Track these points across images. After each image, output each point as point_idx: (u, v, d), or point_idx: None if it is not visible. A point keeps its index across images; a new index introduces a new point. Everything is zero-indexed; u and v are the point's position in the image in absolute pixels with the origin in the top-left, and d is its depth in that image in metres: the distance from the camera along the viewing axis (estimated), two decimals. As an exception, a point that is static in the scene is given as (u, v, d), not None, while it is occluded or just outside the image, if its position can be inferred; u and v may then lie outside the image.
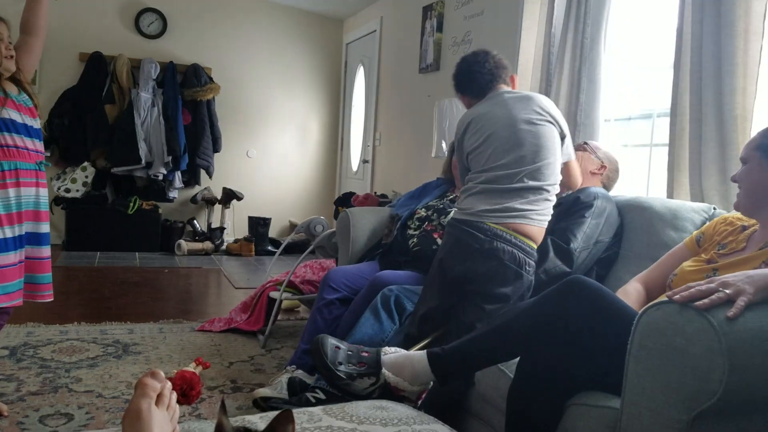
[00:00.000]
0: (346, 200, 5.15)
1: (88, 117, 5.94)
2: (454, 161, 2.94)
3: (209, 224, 6.58)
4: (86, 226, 5.91)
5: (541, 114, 2.16)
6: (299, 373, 2.51)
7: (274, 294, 3.39)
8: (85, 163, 5.91)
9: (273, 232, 6.88)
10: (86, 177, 5.88)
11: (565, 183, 2.31)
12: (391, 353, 1.75)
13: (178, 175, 6.31)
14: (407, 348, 2.00)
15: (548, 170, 2.11)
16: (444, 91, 4.58)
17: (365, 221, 3.13)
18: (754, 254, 1.61)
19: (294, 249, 5.74)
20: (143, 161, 5.95)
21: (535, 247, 2.09)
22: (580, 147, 2.46)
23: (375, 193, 5.43)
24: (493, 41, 4.04)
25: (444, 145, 3.49)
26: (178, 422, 1.03)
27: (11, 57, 2.22)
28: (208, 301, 4.55)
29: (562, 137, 2.22)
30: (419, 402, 1.80)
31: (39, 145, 2.30)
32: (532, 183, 2.08)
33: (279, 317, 3.53)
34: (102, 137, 5.91)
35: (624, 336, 1.31)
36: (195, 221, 6.51)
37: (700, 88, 2.38)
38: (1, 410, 2.24)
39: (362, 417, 1.40)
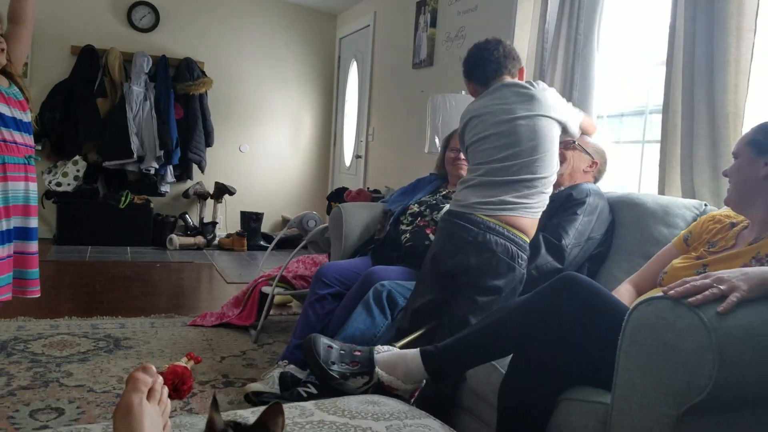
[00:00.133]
0: (338, 195, 5.14)
1: (79, 111, 5.91)
2: (447, 157, 2.94)
3: (201, 219, 6.56)
4: (77, 221, 5.88)
5: (539, 114, 2.16)
6: (291, 368, 2.51)
7: (266, 289, 3.39)
8: (77, 157, 5.88)
9: (265, 227, 6.87)
10: (77, 171, 5.85)
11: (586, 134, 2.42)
12: (384, 352, 1.75)
13: (170, 169, 6.28)
14: (398, 341, 2.00)
15: (544, 162, 2.12)
16: (437, 86, 4.57)
17: (358, 216, 3.13)
18: (743, 250, 1.62)
19: (286, 244, 5.73)
20: (135, 155, 5.93)
21: (528, 240, 2.09)
22: (570, 146, 2.46)
23: (368, 188, 5.42)
24: (487, 37, 4.03)
25: (437, 140, 3.49)
26: (170, 417, 1.03)
27: (2, 50, 2.20)
28: (200, 295, 4.54)
29: (564, 127, 2.24)
30: (412, 400, 1.80)
31: (28, 139, 2.28)
32: (527, 176, 2.09)
33: (271, 312, 3.53)
34: (94, 131, 5.88)
35: (616, 332, 1.31)
36: (187, 216, 6.49)
37: (692, 85, 2.39)
38: None
39: (354, 411, 1.40)
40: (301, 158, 7.20)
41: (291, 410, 1.39)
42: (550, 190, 2.16)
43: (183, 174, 6.50)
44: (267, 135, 6.98)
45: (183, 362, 1.46)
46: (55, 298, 3.86)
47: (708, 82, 2.32)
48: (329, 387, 1.73)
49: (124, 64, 6.10)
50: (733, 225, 1.77)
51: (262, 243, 6.47)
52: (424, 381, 1.76)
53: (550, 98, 2.20)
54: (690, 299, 1.22)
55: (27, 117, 2.28)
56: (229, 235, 6.47)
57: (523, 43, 3.55)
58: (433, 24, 4.73)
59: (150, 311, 3.70)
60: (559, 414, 1.49)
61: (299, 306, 3.87)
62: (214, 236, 6.42)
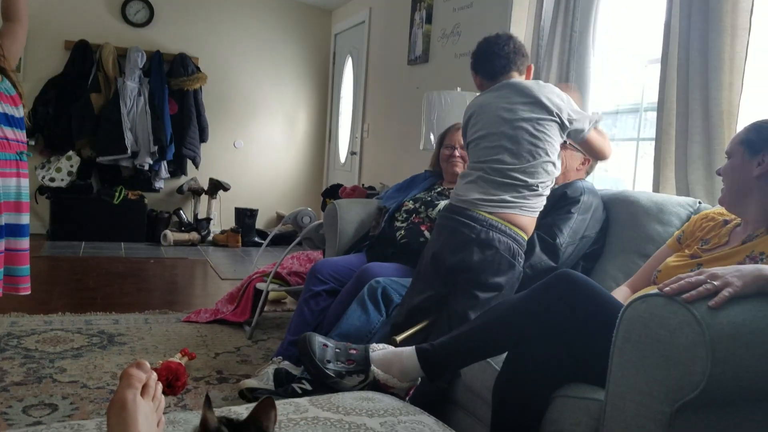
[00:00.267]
0: (333, 192, 5.13)
1: (73, 106, 5.88)
2: (442, 154, 2.94)
3: (195, 215, 6.55)
4: (71, 216, 5.86)
5: (542, 117, 2.15)
6: (285, 364, 2.51)
7: (260, 285, 3.39)
8: (70, 152, 5.85)
9: (260, 224, 6.86)
10: (71, 166, 5.83)
11: (597, 158, 2.37)
12: (380, 350, 1.75)
13: (164, 165, 6.27)
14: (392, 336, 2.00)
15: (544, 168, 2.11)
16: (433, 83, 4.57)
17: (353, 213, 3.13)
18: (737, 248, 1.63)
19: (281, 240, 5.73)
20: (129, 151, 5.91)
21: (526, 238, 2.10)
22: (562, 146, 2.46)
23: (363, 185, 5.42)
24: (483, 34, 4.01)
25: (432, 137, 3.48)
26: (164, 413, 1.03)
27: None
28: (194, 292, 4.53)
29: (568, 128, 2.20)
30: (407, 398, 1.80)
31: (20, 135, 2.26)
32: (527, 180, 2.08)
33: (265, 308, 3.53)
34: (87, 126, 5.85)
35: (610, 329, 1.32)
36: (181, 212, 6.47)
37: (687, 82, 2.39)
38: None
39: (348, 408, 1.40)
40: (295, 154, 7.19)
41: (285, 406, 1.39)
42: (548, 193, 2.16)
43: (177, 170, 6.48)
44: (262, 131, 6.97)
45: (177, 358, 1.46)
46: (48, 294, 3.85)
47: (703, 80, 2.32)
48: (325, 385, 1.73)
49: (118, 59, 6.07)
50: (726, 222, 1.78)
51: (256, 239, 6.46)
52: (420, 379, 1.76)
53: (556, 99, 2.16)
54: (684, 295, 1.22)
55: (19, 112, 2.26)
56: (223, 231, 6.46)
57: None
58: (429, 20, 4.73)
59: (144, 307, 3.69)
60: (553, 410, 1.50)
61: (294, 302, 3.87)
62: (209, 232, 6.41)
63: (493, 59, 2.28)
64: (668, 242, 1.95)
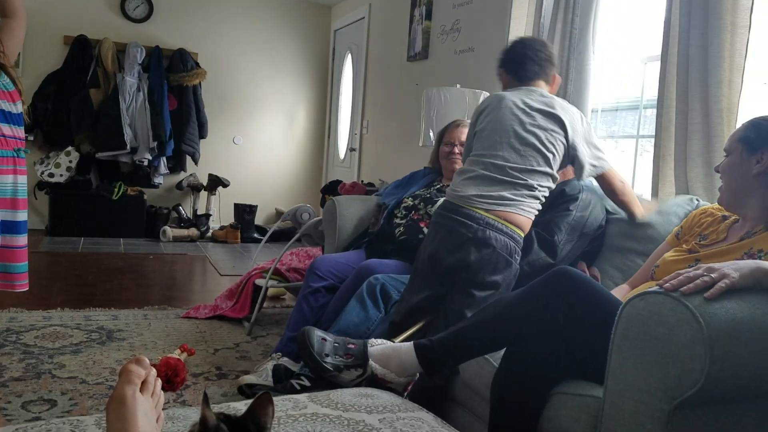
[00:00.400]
0: (332, 188, 5.13)
1: (72, 101, 5.87)
2: (442, 150, 2.94)
3: (195, 211, 6.55)
4: (70, 212, 5.86)
5: (557, 131, 2.13)
6: (284, 361, 2.52)
7: (259, 281, 3.39)
8: (69, 148, 5.85)
9: (259, 220, 6.86)
10: (70, 162, 5.83)
11: (614, 195, 2.29)
12: (378, 345, 1.75)
13: (163, 160, 6.26)
14: (391, 336, 2.00)
15: (546, 175, 2.10)
16: (432, 79, 4.57)
17: (352, 210, 3.13)
18: (735, 245, 1.63)
19: (280, 237, 5.73)
20: (128, 146, 5.90)
21: (523, 236, 2.10)
22: None
23: (362, 181, 5.42)
24: (482, 30, 4.03)
25: (431, 134, 3.48)
26: (163, 409, 1.03)
27: None
28: (194, 288, 4.53)
29: (573, 161, 2.19)
30: (405, 394, 1.81)
31: (17, 131, 2.24)
32: (527, 180, 2.07)
33: (265, 305, 3.53)
34: (86, 122, 5.85)
35: (608, 326, 1.32)
36: (180, 208, 6.47)
37: (686, 80, 2.39)
38: None
39: (347, 404, 1.40)
40: (295, 151, 7.18)
41: (284, 403, 1.39)
42: (544, 199, 2.15)
43: (176, 166, 6.48)
44: (261, 127, 6.96)
45: (176, 354, 1.46)
46: (47, 290, 3.85)
47: (702, 78, 2.32)
48: (323, 379, 1.74)
49: (118, 54, 6.06)
50: (725, 218, 1.78)
51: (255, 235, 6.46)
52: (418, 374, 1.77)
53: (577, 125, 2.16)
54: (682, 288, 1.22)
55: (16, 108, 2.24)
56: (222, 228, 6.46)
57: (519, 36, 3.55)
58: (428, 17, 4.72)
59: (143, 303, 3.69)
60: (551, 407, 1.50)
61: (293, 299, 3.87)
62: (208, 228, 6.41)
63: (526, 62, 2.27)
64: (667, 239, 1.96)
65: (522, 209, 2.07)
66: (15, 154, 2.24)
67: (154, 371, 1.00)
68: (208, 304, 3.61)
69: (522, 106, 2.17)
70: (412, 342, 1.73)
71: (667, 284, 1.25)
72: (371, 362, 1.70)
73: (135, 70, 6.02)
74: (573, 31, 3.12)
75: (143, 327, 3.21)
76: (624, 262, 2.19)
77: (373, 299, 2.38)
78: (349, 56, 6.58)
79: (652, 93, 2.81)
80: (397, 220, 2.81)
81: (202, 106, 6.41)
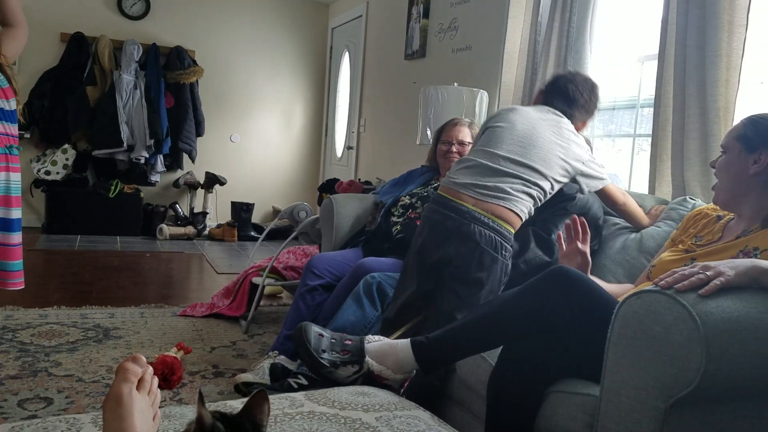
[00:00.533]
0: (330, 186, 5.13)
1: (69, 99, 5.86)
2: (439, 149, 2.94)
3: (192, 209, 6.54)
4: (67, 209, 5.85)
5: (563, 154, 2.14)
6: (281, 359, 2.52)
7: (256, 280, 3.39)
8: (66, 146, 5.83)
9: (256, 218, 6.85)
10: (67, 159, 5.81)
11: (617, 209, 2.31)
12: (375, 341, 1.75)
13: (160, 158, 6.25)
14: (386, 333, 2.00)
15: (543, 178, 2.10)
16: (430, 77, 4.57)
17: (349, 208, 3.13)
18: (731, 243, 1.63)
19: (277, 235, 5.73)
20: (125, 144, 5.89)
21: (513, 231, 2.06)
22: None
23: (359, 179, 5.42)
24: (480, 29, 4.03)
25: (429, 132, 3.48)
26: (159, 407, 1.03)
27: None
28: (190, 286, 4.52)
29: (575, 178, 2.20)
30: (402, 390, 1.81)
31: (10, 128, 2.23)
32: (529, 178, 2.06)
33: (261, 303, 3.53)
34: (83, 119, 5.83)
35: (605, 324, 1.32)
36: (177, 206, 6.46)
37: (683, 79, 2.39)
38: None
39: (344, 402, 1.40)
40: (292, 149, 7.18)
41: (281, 401, 1.39)
42: (538, 203, 2.12)
43: (173, 163, 6.47)
44: (258, 125, 6.95)
45: (173, 352, 1.45)
46: (43, 288, 3.84)
47: (700, 77, 2.32)
48: (319, 375, 1.73)
49: (114, 52, 6.05)
50: (720, 218, 1.78)
51: (252, 233, 6.45)
52: (414, 371, 1.77)
53: (582, 153, 2.18)
54: (677, 285, 1.23)
55: (10, 105, 2.23)
56: (219, 226, 6.45)
57: (516, 35, 3.55)
58: (426, 15, 4.72)
59: (140, 301, 3.68)
60: (548, 406, 1.50)
61: (290, 297, 3.87)
62: (205, 226, 6.40)
63: (566, 99, 2.27)
64: (666, 244, 1.96)
65: (514, 205, 2.05)
66: (7, 152, 2.23)
67: (150, 369, 1.00)
68: (205, 302, 3.61)
69: (539, 123, 2.18)
70: (409, 339, 1.73)
71: (662, 282, 1.25)
72: (368, 359, 1.70)
73: (132, 68, 6.01)
74: (570, 30, 3.12)
75: (140, 325, 3.21)
76: (623, 260, 2.19)
77: (370, 298, 2.38)
78: (347, 54, 6.57)
79: (649, 92, 2.81)
80: (394, 219, 2.81)
81: (199, 103, 6.40)
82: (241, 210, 6.51)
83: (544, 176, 2.10)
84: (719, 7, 2.25)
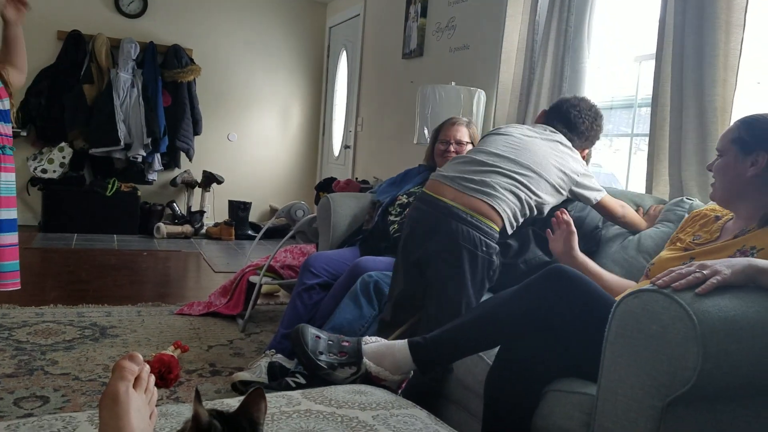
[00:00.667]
0: (327, 185, 5.13)
1: (65, 97, 5.85)
2: (437, 148, 2.94)
3: (189, 207, 6.53)
4: (63, 208, 5.84)
5: (565, 177, 2.13)
6: (279, 358, 2.51)
7: (253, 278, 3.39)
8: (63, 144, 5.82)
9: (253, 217, 6.85)
10: (63, 158, 5.80)
11: (616, 220, 2.29)
12: (372, 342, 1.75)
13: (157, 157, 6.24)
14: (383, 334, 2.00)
15: (535, 180, 2.07)
16: (427, 77, 4.57)
17: (346, 207, 3.13)
18: (728, 242, 1.63)
19: (274, 234, 5.72)
20: (122, 143, 5.88)
21: (497, 228, 2.00)
22: None
23: (356, 178, 5.42)
24: (477, 28, 4.03)
25: (426, 131, 3.49)
26: (156, 405, 1.03)
27: None
28: (187, 284, 4.52)
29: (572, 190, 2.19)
30: (399, 392, 1.81)
31: (4, 128, 2.23)
32: (514, 175, 2.04)
33: (258, 302, 3.52)
34: (80, 117, 5.82)
35: (602, 324, 1.32)
36: (174, 204, 6.45)
37: (681, 78, 2.39)
38: None
39: (341, 401, 1.40)
40: (289, 148, 7.17)
41: (278, 399, 1.39)
42: (527, 205, 2.07)
43: (171, 162, 6.46)
44: (255, 124, 6.95)
45: (170, 351, 1.45)
46: (40, 286, 3.84)
47: (697, 77, 2.33)
48: (317, 377, 1.73)
49: (112, 50, 6.03)
50: (718, 218, 1.78)
51: (249, 232, 6.45)
52: (412, 372, 1.77)
53: (578, 166, 2.17)
54: (674, 284, 1.23)
55: (3, 105, 2.23)
56: (216, 224, 6.44)
57: (514, 34, 3.55)
58: (424, 14, 4.72)
59: (137, 300, 3.68)
60: (545, 405, 1.50)
61: (287, 296, 3.87)
62: (202, 225, 6.39)
63: (567, 123, 2.26)
64: (666, 245, 1.96)
65: (496, 202, 1.99)
66: (1, 152, 2.22)
67: (147, 368, 1.00)
68: (202, 300, 3.60)
69: (534, 131, 2.18)
70: (406, 340, 1.73)
71: (660, 281, 1.26)
72: (365, 360, 1.70)
73: (129, 66, 6.00)
74: (568, 30, 3.12)
75: (137, 323, 3.20)
76: (622, 260, 2.20)
77: (367, 297, 2.38)
78: (344, 53, 6.57)
79: (646, 91, 2.81)
80: (392, 218, 2.81)
81: (196, 102, 6.39)
82: (238, 209, 6.51)
83: (540, 176, 2.06)
84: (717, 7, 2.25)
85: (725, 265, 1.27)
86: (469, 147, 2.79)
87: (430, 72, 4.59)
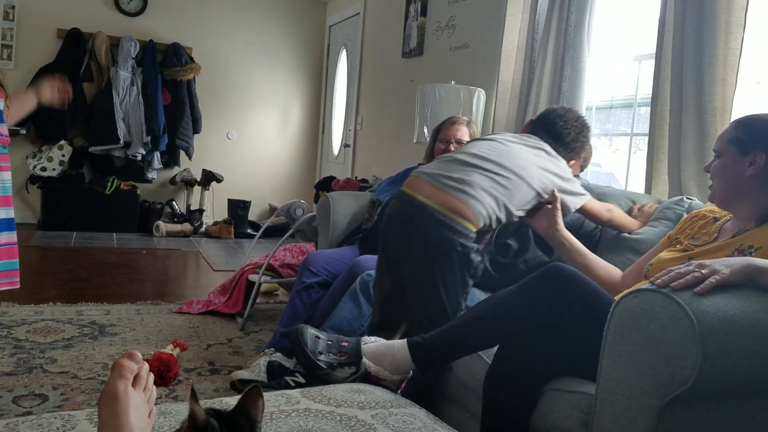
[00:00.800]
0: (326, 184, 5.13)
1: (65, 95, 5.84)
2: (437, 147, 2.93)
3: (188, 206, 6.53)
4: (63, 206, 5.83)
5: (545, 164, 2.10)
6: (278, 356, 2.51)
7: (253, 277, 3.39)
8: (62, 142, 5.81)
9: (253, 215, 6.84)
10: (63, 156, 5.80)
11: (603, 224, 2.27)
12: (371, 342, 1.75)
13: (157, 155, 6.24)
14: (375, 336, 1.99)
15: (521, 185, 2.02)
16: (427, 76, 4.56)
17: (345, 206, 3.12)
18: (726, 242, 1.63)
19: (274, 232, 5.72)
20: (122, 141, 5.87)
21: (472, 229, 1.93)
22: None
23: (356, 177, 5.42)
24: (477, 27, 4.03)
25: (426, 130, 3.48)
26: (155, 404, 1.03)
27: None
28: (187, 283, 4.52)
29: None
30: (399, 391, 1.81)
31: (0, 128, 2.23)
32: (498, 178, 1.99)
33: (258, 300, 3.52)
34: (79, 116, 5.81)
35: (601, 323, 1.32)
36: (174, 203, 6.45)
37: (681, 78, 2.39)
38: None
39: (340, 400, 1.40)
40: (289, 146, 7.17)
41: (277, 398, 1.39)
42: (505, 209, 2.01)
43: (170, 160, 6.45)
44: (255, 122, 6.94)
45: (169, 349, 1.45)
46: (39, 284, 3.84)
47: (697, 76, 2.33)
48: (316, 377, 1.73)
49: (111, 48, 6.03)
50: (716, 219, 1.78)
51: (249, 231, 6.45)
52: (411, 372, 1.77)
53: (561, 171, 2.13)
54: (672, 284, 1.23)
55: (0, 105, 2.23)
56: (216, 223, 6.44)
57: (514, 33, 3.55)
58: (424, 13, 4.71)
59: (136, 298, 3.68)
60: (543, 404, 1.50)
61: (286, 294, 3.87)
62: (201, 223, 6.39)
63: (553, 134, 2.19)
64: (661, 241, 1.96)
65: (470, 203, 1.93)
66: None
67: (146, 366, 1.00)
68: (201, 299, 3.60)
69: (517, 138, 2.15)
70: (405, 340, 1.73)
71: (658, 281, 1.26)
72: (365, 360, 1.70)
73: (129, 64, 5.99)
74: (568, 29, 3.12)
75: (136, 322, 3.20)
76: (621, 259, 2.19)
77: (366, 295, 2.38)
78: (344, 52, 6.56)
79: (646, 91, 2.81)
80: (391, 217, 2.80)
81: (196, 101, 6.38)
82: (237, 207, 6.51)
83: (521, 179, 2.01)
84: (717, 7, 2.25)
85: (724, 265, 1.27)
86: (469, 146, 2.78)
87: (430, 71, 4.59)
